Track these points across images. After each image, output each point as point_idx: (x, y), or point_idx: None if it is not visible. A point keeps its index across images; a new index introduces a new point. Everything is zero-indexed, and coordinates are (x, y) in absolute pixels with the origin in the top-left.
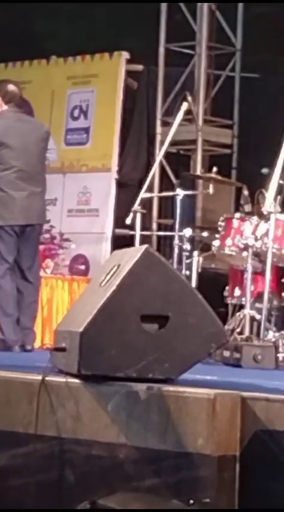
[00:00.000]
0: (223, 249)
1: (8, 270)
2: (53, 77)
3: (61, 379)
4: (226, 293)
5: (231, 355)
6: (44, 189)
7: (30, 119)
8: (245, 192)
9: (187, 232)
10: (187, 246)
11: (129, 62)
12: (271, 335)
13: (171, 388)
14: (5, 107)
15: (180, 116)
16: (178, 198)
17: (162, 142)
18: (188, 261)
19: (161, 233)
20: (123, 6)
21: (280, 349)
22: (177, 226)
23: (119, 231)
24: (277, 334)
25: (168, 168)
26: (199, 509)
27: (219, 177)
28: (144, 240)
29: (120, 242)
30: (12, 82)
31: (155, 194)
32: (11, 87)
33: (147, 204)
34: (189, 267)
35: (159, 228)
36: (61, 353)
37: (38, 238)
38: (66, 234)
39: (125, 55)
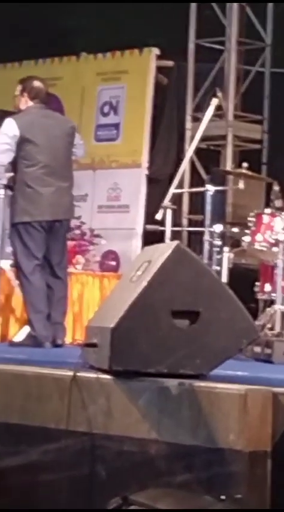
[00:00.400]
0: (254, 245)
1: (38, 267)
2: (83, 73)
3: (92, 374)
4: (256, 288)
5: (262, 350)
6: (71, 184)
7: (55, 115)
8: (276, 188)
9: (218, 228)
10: (217, 241)
11: (159, 58)
12: None
13: (202, 383)
14: (30, 103)
15: (210, 111)
16: (209, 194)
17: (192, 138)
18: (218, 256)
19: (191, 229)
20: (153, 2)
21: None
22: (207, 222)
23: (149, 226)
24: None
25: (198, 164)
26: (225, 509)
27: (249, 173)
28: (174, 235)
29: (150, 238)
30: (38, 78)
31: (185, 190)
32: (37, 83)
33: (177, 199)
34: (219, 262)
35: (189, 224)
36: (92, 349)
37: (66, 234)
38: (97, 230)
39: (155, 51)
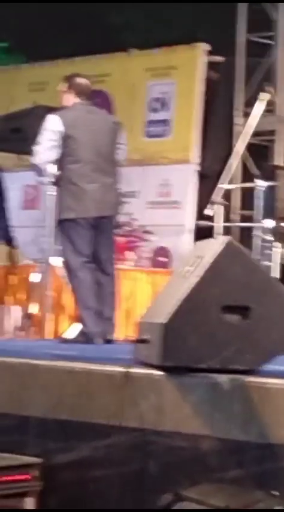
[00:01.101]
0: None
1: (86, 263)
2: (133, 69)
3: (144, 370)
4: None
5: None
6: (115, 180)
7: (99, 111)
8: None
9: (269, 223)
10: (268, 237)
11: (208, 53)
12: None
13: (253, 379)
14: (76, 100)
15: (260, 106)
16: (259, 189)
17: (242, 134)
18: (269, 252)
19: (242, 224)
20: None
21: None
22: (258, 217)
23: (200, 222)
24: None
25: (248, 159)
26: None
27: None
28: (225, 231)
29: (201, 234)
30: (82, 75)
31: (236, 185)
32: (81, 80)
33: (227, 195)
34: (270, 258)
35: (240, 220)
36: (144, 345)
37: (115, 230)
38: (148, 227)
39: (205, 46)
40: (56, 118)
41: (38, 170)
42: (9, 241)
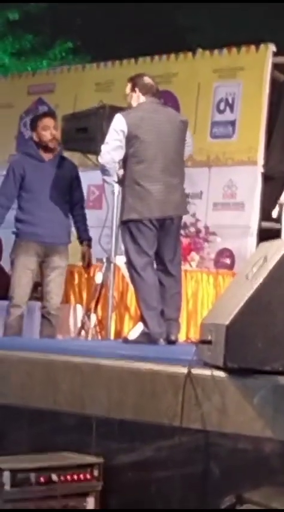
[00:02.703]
0: None
1: (149, 263)
2: (199, 69)
3: (207, 371)
4: None
5: None
6: (181, 180)
7: (165, 110)
8: None
9: None
10: None
11: (275, 54)
12: None
13: None
14: (142, 99)
15: None
16: None
17: None
18: None
19: None
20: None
21: None
22: None
23: (265, 224)
24: None
25: None
26: None
27: None
28: None
29: (266, 236)
30: (147, 75)
31: None
32: (147, 79)
33: None
34: None
35: None
36: (206, 346)
37: (178, 231)
38: (212, 228)
39: (272, 47)
40: (120, 118)
41: (104, 170)
42: (87, 240)
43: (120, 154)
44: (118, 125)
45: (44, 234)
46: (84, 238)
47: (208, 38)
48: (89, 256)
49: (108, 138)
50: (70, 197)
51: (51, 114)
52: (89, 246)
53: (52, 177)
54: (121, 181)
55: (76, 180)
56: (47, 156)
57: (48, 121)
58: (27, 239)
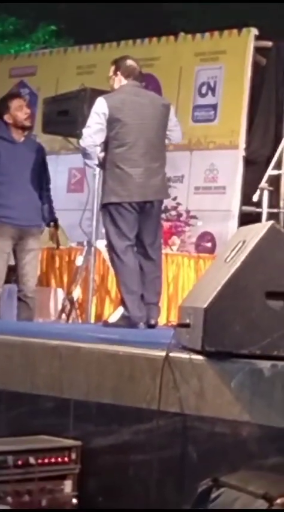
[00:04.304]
0: None
1: (130, 247)
2: (181, 53)
3: (185, 355)
4: None
5: None
6: (162, 164)
7: (148, 93)
8: None
9: None
10: None
11: (257, 38)
12: None
13: None
14: (124, 81)
15: None
16: None
17: None
18: None
19: None
20: None
21: None
22: None
23: (246, 208)
24: None
25: None
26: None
27: None
28: (271, 217)
29: (247, 220)
30: (130, 57)
31: (283, 171)
32: (130, 62)
33: (274, 181)
34: None
35: None
36: (185, 329)
37: (159, 215)
38: (193, 212)
39: (254, 31)
40: (102, 101)
41: (86, 153)
42: (54, 222)
43: (101, 138)
44: (100, 108)
45: (19, 217)
46: (51, 219)
47: (192, 22)
48: (57, 237)
49: (89, 121)
50: (41, 180)
51: (19, 94)
52: (56, 227)
53: (26, 159)
54: (102, 165)
55: (44, 162)
56: (18, 138)
57: (19, 101)
58: (2, 222)
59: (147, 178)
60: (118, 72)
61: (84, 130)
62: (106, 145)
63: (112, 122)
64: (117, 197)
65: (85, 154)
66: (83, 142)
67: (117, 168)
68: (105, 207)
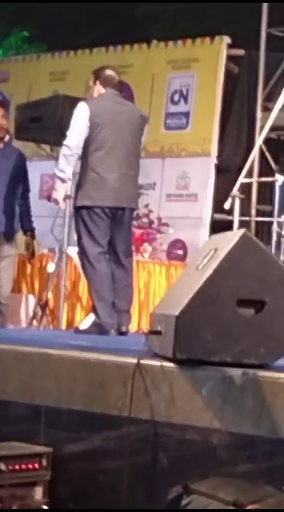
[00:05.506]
0: None
1: (102, 254)
2: (154, 61)
3: (156, 362)
4: None
5: None
6: (136, 173)
7: (126, 103)
8: None
9: None
10: None
11: (230, 46)
12: None
13: (266, 373)
14: (102, 90)
15: (280, 101)
16: (278, 184)
17: (262, 128)
18: None
19: (260, 219)
20: None
21: None
22: (275, 212)
23: (218, 216)
24: None
25: (267, 154)
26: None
27: None
28: (243, 225)
29: (218, 227)
30: (110, 67)
31: (254, 179)
32: (109, 71)
33: (245, 189)
34: None
35: (258, 214)
36: (156, 336)
37: (130, 222)
38: (165, 219)
39: (226, 40)
40: (83, 104)
41: (65, 158)
42: (30, 231)
43: (83, 140)
44: (82, 111)
45: None
46: (28, 229)
47: (165, 30)
48: (33, 246)
49: (72, 123)
50: (18, 187)
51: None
52: (33, 236)
53: (3, 166)
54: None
55: (24, 169)
56: None
57: None
58: None
59: (122, 185)
60: (97, 82)
61: (68, 132)
62: (83, 150)
63: (92, 126)
64: (90, 200)
65: (64, 159)
66: (69, 142)
67: (93, 172)
68: (77, 211)
